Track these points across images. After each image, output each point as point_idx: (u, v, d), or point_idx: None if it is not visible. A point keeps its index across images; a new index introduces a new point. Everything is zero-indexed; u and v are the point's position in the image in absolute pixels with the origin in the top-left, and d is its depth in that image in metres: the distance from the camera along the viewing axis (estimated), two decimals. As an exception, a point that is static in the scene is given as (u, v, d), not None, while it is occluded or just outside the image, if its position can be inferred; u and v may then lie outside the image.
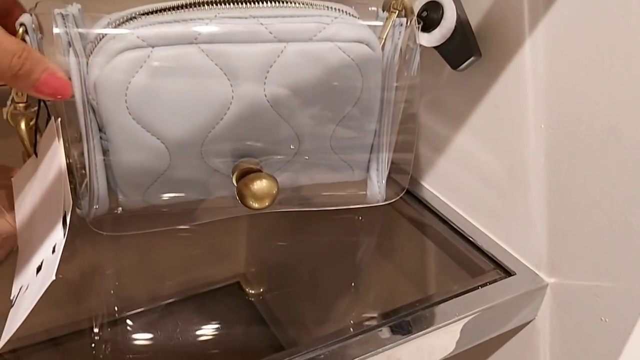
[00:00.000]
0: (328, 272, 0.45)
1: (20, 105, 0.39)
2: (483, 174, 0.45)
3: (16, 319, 0.29)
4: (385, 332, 0.38)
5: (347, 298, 0.42)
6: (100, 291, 0.41)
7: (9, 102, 0.39)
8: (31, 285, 0.31)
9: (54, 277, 0.28)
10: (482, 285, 0.41)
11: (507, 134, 0.43)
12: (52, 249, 0.31)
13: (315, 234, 0.48)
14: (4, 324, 0.30)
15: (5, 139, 0.41)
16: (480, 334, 0.42)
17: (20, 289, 0.32)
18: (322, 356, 0.36)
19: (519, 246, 0.44)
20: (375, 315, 0.40)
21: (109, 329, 0.38)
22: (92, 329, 0.38)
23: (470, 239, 0.46)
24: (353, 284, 0.44)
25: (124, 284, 0.42)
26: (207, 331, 0.39)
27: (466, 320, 0.39)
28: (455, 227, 0.47)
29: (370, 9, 0.43)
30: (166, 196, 0.42)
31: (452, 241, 0.46)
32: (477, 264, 0.44)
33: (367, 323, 0.39)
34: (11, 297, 0.33)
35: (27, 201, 0.37)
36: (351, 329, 0.38)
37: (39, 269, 0.31)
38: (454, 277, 0.44)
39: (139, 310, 0.39)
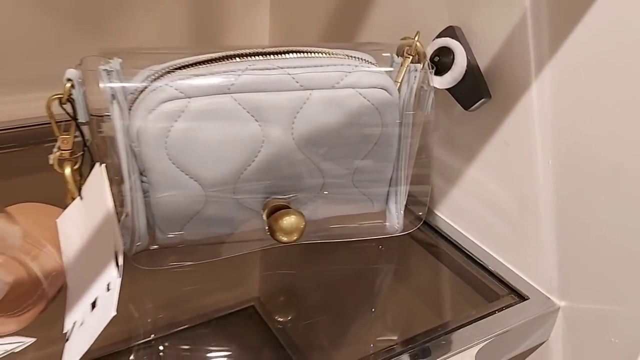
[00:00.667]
0: (346, 298, 0.46)
1: (66, 152, 0.42)
2: (495, 205, 0.48)
3: (76, 351, 0.32)
4: (404, 359, 0.40)
5: (365, 323, 0.44)
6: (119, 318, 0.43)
7: (55, 150, 0.43)
8: (87, 320, 0.34)
9: (114, 313, 0.31)
10: (499, 310, 0.44)
11: (517, 169, 0.45)
12: (106, 287, 0.34)
13: (332, 261, 0.50)
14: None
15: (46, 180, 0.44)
16: (497, 356, 0.44)
17: (74, 324, 0.35)
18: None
19: (531, 272, 0.46)
20: (395, 339, 0.42)
21: (128, 355, 0.39)
22: (111, 355, 0.39)
23: (485, 265, 0.48)
24: (371, 310, 0.46)
25: (141, 311, 0.43)
26: (224, 355, 0.40)
27: (483, 344, 0.42)
28: (470, 254, 0.50)
29: (383, 54, 0.46)
30: (200, 232, 0.45)
31: (468, 268, 0.49)
32: (493, 290, 0.46)
33: (386, 348, 0.40)
34: (65, 331, 0.36)
35: (74, 240, 0.40)
36: (372, 356, 0.40)
37: (93, 305, 0.34)
38: (472, 302, 0.46)
39: (158, 335, 0.40)
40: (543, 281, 0.45)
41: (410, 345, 0.41)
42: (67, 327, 0.36)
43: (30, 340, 0.35)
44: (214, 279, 0.46)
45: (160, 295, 0.45)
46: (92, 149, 0.43)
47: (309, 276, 0.49)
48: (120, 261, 0.34)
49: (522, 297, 0.45)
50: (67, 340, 0.35)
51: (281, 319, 0.43)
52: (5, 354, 0.34)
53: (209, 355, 0.40)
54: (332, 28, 0.66)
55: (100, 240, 0.37)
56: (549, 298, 0.45)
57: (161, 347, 0.40)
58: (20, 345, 0.34)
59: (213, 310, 0.43)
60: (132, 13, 0.68)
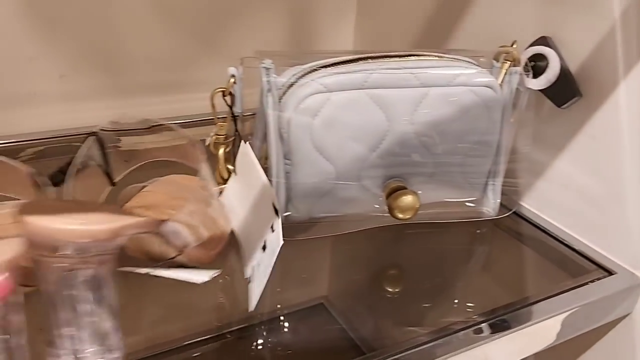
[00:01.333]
0: (433, 278, 0.51)
1: (221, 136, 0.50)
2: (582, 193, 0.54)
3: (259, 285, 0.39)
4: (505, 322, 0.46)
5: (447, 303, 0.48)
6: (199, 311, 0.45)
7: (212, 134, 0.50)
8: (263, 259, 0.41)
9: (282, 241, 0.38)
10: (590, 282, 0.50)
11: (604, 161, 0.52)
12: (270, 229, 0.41)
13: (415, 245, 0.55)
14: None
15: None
16: (582, 326, 0.50)
17: (253, 267, 0.42)
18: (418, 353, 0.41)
19: (617, 251, 0.52)
20: (477, 312, 0.46)
21: (205, 346, 0.41)
22: (193, 344, 0.41)
23: (572, 246, 0.54)
24: (456, 289, 0.50)
25: (213, 305, 0.45)
26: (296, 349, 0.42)
27: (573, 311, 0.47)
28: (556, 237, 0.56)
29: (480, 59, 0.53)
30: (327, 210, 0.52)
31: (556, 249, 0.55)
32: (581, 266, 0.52)
33: (469, 320, 0.45)
34: (247, 277, 0.43)
35: (238, 207, 0.47)
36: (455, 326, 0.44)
37: (264, 247, 0.41)
38: (559, 278, 0.52)
39: (228, 330, 0.42)
40: (629, 258, 0.51)
41: (498, 314, 0.46)
42: (248, 273, 0.43)
43: (217, 272, 0.42)
44: (286, 275, 0.48)
45: (230, 291, 0.47)
46: (242, 135, 0.50)
47: (392, 258, 0.54)
48: (278, 206, 0.40)
49: (609, 272, 0.51)
50: (250, 281, 0.42)
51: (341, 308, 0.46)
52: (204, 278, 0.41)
53: (281, 350, 0.41)
54: (417, 37, 0.73)
55: (261, 203, 0.44)
56: (634, 274, 0.51)
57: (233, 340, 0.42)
58: (213, 274, 0.42)
59: (285, 307, 0.45)
60: (237, 25, 0.76)
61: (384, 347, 0.41)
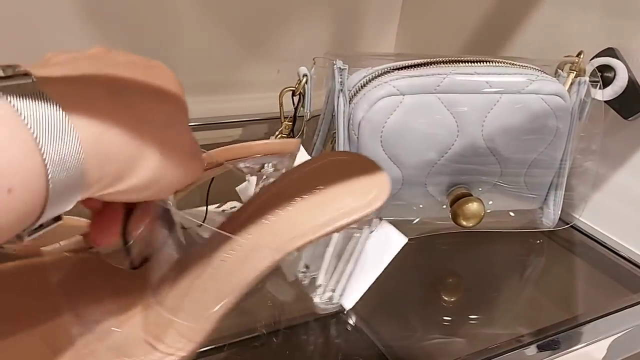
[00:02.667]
0: (482, 289, 0.50)
1: (285, 136, 0.49)
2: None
3: (365, 280, 0.38)
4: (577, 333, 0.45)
5: (494, 317, 0.47)
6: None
7: (277, 132, 0.50)
8: (359, 259, 0.39)
9: (405, 239, 0.38)
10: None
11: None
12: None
13: (466, 254, 0.54)
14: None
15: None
16: (632, 348, 0.48)
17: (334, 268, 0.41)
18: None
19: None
20: (524, 331, 0.44)
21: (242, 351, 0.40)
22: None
23: (632, 260, 0.54)
24: (505, 301, 0.49)
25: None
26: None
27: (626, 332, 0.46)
28: (614, 250, 0.55)
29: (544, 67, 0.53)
30: (388, 215, 0.51)
31: (614, 262, 0.54)
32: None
33: (516, 337, 0.43)
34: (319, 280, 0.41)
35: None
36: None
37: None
38: (617, 292, 0.51)
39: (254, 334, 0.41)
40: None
41: (548, 333, 0.44)
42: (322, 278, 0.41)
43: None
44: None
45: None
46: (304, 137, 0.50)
47: (441, 267, 0.53)
48: None
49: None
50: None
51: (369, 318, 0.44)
52: None
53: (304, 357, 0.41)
54: (466, 43, 0.73)
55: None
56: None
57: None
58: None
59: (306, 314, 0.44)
60: (285, 27, 0.76)
61: None
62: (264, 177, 0.42)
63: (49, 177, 0.20)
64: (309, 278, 0.40)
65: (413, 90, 0.46)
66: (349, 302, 0.38)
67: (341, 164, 0.37)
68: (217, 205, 0.46)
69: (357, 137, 0.46)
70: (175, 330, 0.31)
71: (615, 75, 0.52)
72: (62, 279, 0.34)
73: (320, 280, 0.39)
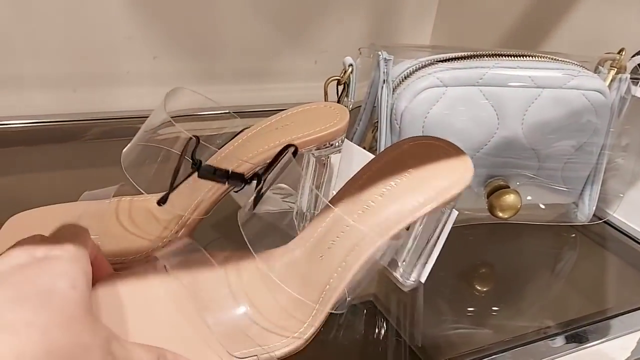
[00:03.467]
0: (511, 280, 0.50)
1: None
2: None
3: (432, 257, 0.40)
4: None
5: (522, 308, 0.47)
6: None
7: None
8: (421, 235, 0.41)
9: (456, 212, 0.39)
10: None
11: None
12: None
13: (498, 246, 0.55)
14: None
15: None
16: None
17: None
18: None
19: None
20: (549, 324, 0.45)
21: None
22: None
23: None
24: (534, 293, 0.49)
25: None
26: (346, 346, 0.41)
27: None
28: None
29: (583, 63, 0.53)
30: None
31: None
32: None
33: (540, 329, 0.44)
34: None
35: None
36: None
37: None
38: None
39: None
40: None
41: (575, 325, 0.45)
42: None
43: None
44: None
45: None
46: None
47: (472, 258, 0.53)
48: None
49: None
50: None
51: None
52: None
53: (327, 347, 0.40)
54: (502, 38, 0.74)
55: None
56: None
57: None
58: None
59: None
60: (323, 19, 0.77)
61: (441, 353, 0.41)
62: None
63: None
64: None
65: (456, 82, 0.47)
66: (424, 276, 0.41)
67: (423, 148, 0.40)
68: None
69: (399, 127, 0.47)
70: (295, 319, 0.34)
71: (656, 72, 0.52)
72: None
73: (404, 257, 0.41)
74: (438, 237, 0.40)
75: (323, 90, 0.49)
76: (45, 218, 0.43)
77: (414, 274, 0.40)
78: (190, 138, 0.41)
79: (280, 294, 0.36)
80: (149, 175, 0.43)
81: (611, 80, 0.52)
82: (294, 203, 0.44)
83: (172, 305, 0.34)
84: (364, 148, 0.52)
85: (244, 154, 0.43)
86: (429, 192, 0.37)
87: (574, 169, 0.53)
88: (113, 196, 0.44)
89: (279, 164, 0.39)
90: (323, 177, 0.46)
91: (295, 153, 0.40)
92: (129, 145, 0.43)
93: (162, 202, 0.44)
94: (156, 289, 0.34)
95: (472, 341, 0.42)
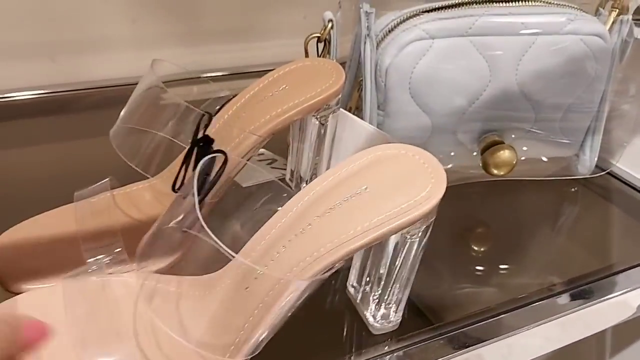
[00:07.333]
0: (514, 239, 0.49)
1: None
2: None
3: None
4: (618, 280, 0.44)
5: (526, 267, 0.46)
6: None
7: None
8: None
9: None
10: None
11: None
12: None
13: (499, 203, 0.53)
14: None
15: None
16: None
17: None
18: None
19: None
20: (554, 281, 0.43)
21: None
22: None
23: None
24: (537, 252, 0.48)
25: None
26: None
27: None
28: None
29: (584, 6, 0.50)
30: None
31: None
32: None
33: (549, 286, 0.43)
34: None
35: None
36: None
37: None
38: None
39: None
40: None
41: (580, 283, 0.43)
42: None
43: None
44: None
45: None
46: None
47: (472, 216, 0.52)
48: None
49: None
50: None
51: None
52: None
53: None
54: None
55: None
56: None
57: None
58: None
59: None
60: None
61: (448, 313, 0.40)
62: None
63: None
64: (361, 293, 0.37)
65: (443, 33, 0.44)
66: (394, 316, 0.36)
67: (386, 159, 0.33)
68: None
69: (385, 85, 0.45)
70: None
71: (660, 12, 0.49)
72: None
73: (375, 293, 0.36)
74: (414, 267, 0.34)
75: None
76: (46, 227, 0.39)
77: (380, 312, 0.36)
78: (203, 115, 0.38)
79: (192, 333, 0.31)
80: (145, 155, 0.41)
81: (612, 23, 0.49)
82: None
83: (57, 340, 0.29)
84: (351, 108, 0.50)
85: (243, 125, 0.41)
86: (379, 214, 0.30)
87: (574, 119, 0.50)
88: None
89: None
90: (324, 141, 0.44)
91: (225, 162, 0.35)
92: (116, 125, 0.41)
93: (178, 188, 0.39)
94: (56, 316, 0.30)
95: (476, 300, 0.41)
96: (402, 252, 0.33)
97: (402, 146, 0.33)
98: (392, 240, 0.33)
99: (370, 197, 0.31)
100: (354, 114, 0.47)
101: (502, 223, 0.51)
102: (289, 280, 0.28)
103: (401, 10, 0.45)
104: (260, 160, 0.51)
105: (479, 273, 0.45)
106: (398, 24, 0.45)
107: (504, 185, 0.52)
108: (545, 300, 0.42)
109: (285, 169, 0.49)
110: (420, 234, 0.32)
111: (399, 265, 0.34)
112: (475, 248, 0.48)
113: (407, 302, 0.37)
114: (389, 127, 0.46)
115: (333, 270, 0.30)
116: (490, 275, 0.45)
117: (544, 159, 0.53)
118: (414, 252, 0.33)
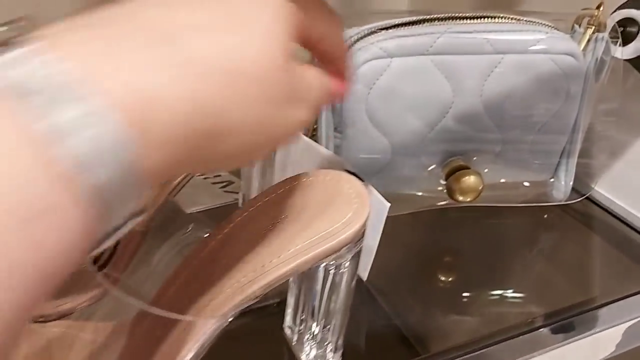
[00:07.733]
0: (489, 269, 0.46)
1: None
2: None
3: (370, 251, 0.34)
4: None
5: (503, 298, 0.44)
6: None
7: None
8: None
9: (387, 203, 0.33)
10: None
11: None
12: None
13: (472, 232, 0.50)
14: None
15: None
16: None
17: None
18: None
19: None
20: (536, 313, 0.41)
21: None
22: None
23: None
24: (515, 282, 0.45)
25: None
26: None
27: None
28: (634, 227, 0.50)
29: (559, 23, 0.47)
30: (379, 189, 0.47)
31: (632, 239, 0.49)
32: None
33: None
34: None
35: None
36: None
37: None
38: (635, 274, 0.47)
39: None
40: None
41: (557, 318, 0.41)
42: None
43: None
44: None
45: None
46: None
47: (446, 244, 0.49)
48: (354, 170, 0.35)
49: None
50: None
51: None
52: None
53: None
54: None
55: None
56: None
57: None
58: None
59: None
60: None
61: (429, 339, 0.38)
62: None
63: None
64: (297, 333, 0.34)
65: (402, 52, 0.41)
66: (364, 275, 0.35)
67: (309, 186, 0.30)
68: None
69: (341, 106, 0.42)
70: None
71: (639, 29, 0.46)
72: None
73: (308, 332, 0.33)
74: (335, 302, 0.31)
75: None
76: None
77: (314, 353, 0.33)
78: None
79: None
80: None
81: (588, 40, 0.46)
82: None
83: None
84: (309, 130, 0.47)
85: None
86: (298, 243, 0.27)
87: (546, 141, 0.47)
88: None
89: None
90: (273, 164, 0.41)
91: None
92: None
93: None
94: None
95: (456, 331, 0.39)
96: (330, 282, 0.30)
97: (326, 172, 0.31)
98: (321, 271, 0.30)
99: (290, 225, 0.28)
100: (311, 135, 0.44)
101: (481, 251, 0.49)
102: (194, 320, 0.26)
103: (360, 27, 0.43)
104: (214, 183, 0.48)
105: (459, 302, 0.43)
106: (355, 42, 0.42)
107: (482, 210, 0.49)
108: (526, 335, 0.39)
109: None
110: (348, 263, 0.30)
111: (330, 298, 0.31)
112: (452, 277, 0.46)
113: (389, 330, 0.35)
114: (347, 150, 0.44)
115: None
116: (470, 305, 0.43)
117: (522, 184, 0.50)
118: (344, 282, 0.30)
